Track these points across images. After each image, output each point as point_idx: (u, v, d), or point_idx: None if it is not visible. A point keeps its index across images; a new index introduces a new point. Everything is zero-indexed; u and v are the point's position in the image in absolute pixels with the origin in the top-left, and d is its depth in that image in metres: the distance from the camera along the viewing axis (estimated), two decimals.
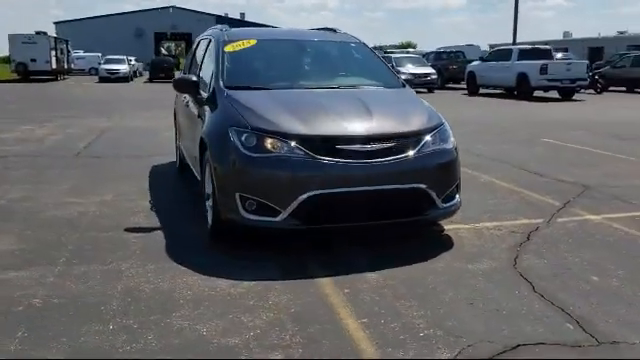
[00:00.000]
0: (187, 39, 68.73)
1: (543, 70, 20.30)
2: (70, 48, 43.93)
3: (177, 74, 39.14)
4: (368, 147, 4.04)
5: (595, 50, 57.99)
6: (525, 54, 21.89)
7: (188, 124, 5.77)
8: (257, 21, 70.88)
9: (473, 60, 27.00)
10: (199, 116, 5.00)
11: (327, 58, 5.64)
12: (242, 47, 5.25)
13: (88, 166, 7.83)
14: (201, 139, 4.65)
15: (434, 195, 4.21)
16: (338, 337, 2.99)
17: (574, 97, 21.48)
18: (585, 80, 21.30)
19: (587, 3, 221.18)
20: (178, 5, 66.84)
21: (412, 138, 4.20)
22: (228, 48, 5.21)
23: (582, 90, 22.73)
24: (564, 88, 20.84)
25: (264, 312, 3.27)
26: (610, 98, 22.43)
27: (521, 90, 21.24)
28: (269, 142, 4.03)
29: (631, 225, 4.99)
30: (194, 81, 5.07)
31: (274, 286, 3.64)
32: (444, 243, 4.51)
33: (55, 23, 64.33)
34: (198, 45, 6.68)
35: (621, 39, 66.16)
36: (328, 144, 4.00)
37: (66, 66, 41.87)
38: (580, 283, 3.72)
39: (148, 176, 7.11)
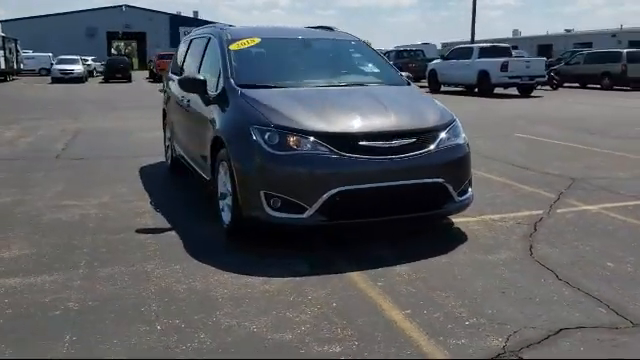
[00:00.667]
0: (140, 38, 67.53)
1: (504, 67, 20.87)
2: (19, 47, 42.45)
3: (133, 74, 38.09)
4: (390, 143, 4.12)
5: (544, 47, 60.10)
6: (485, 52, 22.42)
7: (190, 123, 5.72)
8: (210, 19, 70.33)
9: (433, 58, 27.51)
10: (208, 115, 4.97)
11: (332, 56, 5.70)
12: (247, 45, 5.24)
13: (72, 168, 7.64)
14: (215, 138, 4.63)
15: (451, 189, 4.33)
16: (388, 329, 3.05)
17: (532, 93, 22.15)
18: (543, 77, 22.05)
19: (534, 2, 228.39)
20: (130, 4, 65.47)
21: (429, 134, 4.31)
22: (233, 47, 5.19)
23: (539, 86, 23.48)
24: (524, 85, 21.47)
25: (307, 307, 3.30)
26: (566, 94, 23.22)
27: (482, 87, 21.77)
28: (292, 139, 4.06)
29: (627, 214, 5.23)
30: (202, 80, 5.02)
31: (307, 282, 3.67)
32: (458, 235, 4.62)
33: (1, 22, 62.01)
34: (190, 44, 6.63)
35: (569, 37, 68.65)
36: (351, 141, 4.06)
37: (15, 66, 40.46)
38: (598, 270, 3.89)
39: (139, 177, 7.00)
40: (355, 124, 4.21)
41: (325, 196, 3.95)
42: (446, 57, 24.73)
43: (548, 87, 25.38)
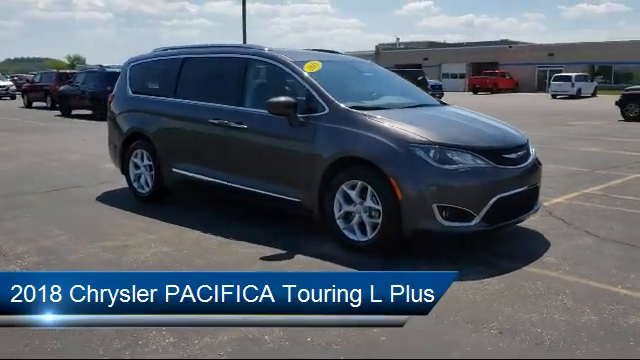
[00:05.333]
0: None
1: None
2: None
3: None
4: (517, 154, 4.93)
5: None
6: None
7: (247, 147, 5.45)
8: None
9: None
10: (301, 137, 5.03)
11: (385, 80, 6.12)
12: (317, 69, 5.33)
13: (23, 207, 6.39)
14: (339, 159, 4.77)
15: (539, 192, 5.26)
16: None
17: None
18: None
19: (229, 24, 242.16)
20: None
21: (527, 146, 5.19)
22: (307, 69, 5.27)
23: None
24: None
25: (549, 302, 3.84)
26: None
27: None
28: (454, 155, 4.53)
29: (591, 202, 6.72)
30: (295, 103, 4.98)
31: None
32: (527, 231, 5.50)
33: None
34: (184, 63, 6.26)
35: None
36: (498, 154, 4.74)
37: None
38: None
39: (126, 209, 6.27)
40: (493, 140, 4.89)
41: (490, 203, 4.53)
42: None
43: None
